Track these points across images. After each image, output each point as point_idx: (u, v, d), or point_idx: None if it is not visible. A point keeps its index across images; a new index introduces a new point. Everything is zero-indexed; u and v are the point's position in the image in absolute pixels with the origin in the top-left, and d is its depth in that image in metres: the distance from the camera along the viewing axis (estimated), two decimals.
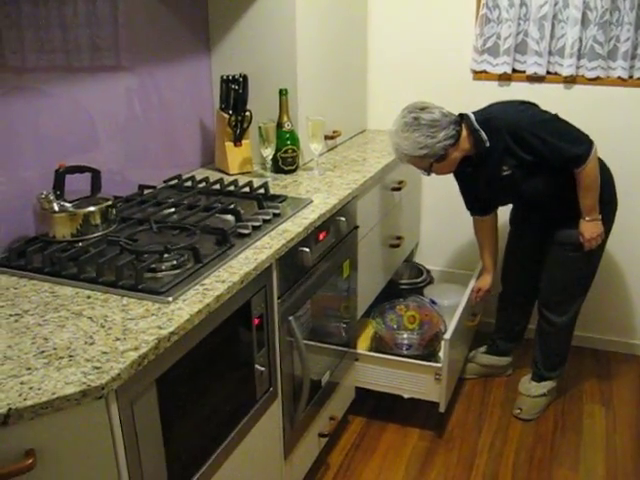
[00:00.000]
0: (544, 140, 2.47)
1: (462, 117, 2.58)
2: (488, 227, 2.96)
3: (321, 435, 2.54)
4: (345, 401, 2.82)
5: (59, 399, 1.28)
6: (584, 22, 3.03)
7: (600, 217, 2.66)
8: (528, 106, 2.61)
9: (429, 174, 2.61)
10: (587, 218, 2.64)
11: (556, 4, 3.05)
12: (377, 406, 3.07)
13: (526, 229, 2.99)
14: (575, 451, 2.78)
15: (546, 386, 3.01)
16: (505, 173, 2.58)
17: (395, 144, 2.51)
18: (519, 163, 2.55)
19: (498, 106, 2.64)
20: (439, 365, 2.72)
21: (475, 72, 3.33)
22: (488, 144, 2.53)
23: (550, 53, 3.15)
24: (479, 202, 2.87)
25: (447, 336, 2.73)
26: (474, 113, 2.59)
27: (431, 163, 2.52)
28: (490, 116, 2.57)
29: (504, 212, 3.00)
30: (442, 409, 2.80)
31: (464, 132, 2.55)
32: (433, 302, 3.24)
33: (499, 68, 3.24)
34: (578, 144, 2.50)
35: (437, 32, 3.32)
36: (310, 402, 2.37)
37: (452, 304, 3.14)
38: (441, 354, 2.86)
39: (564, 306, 2.88)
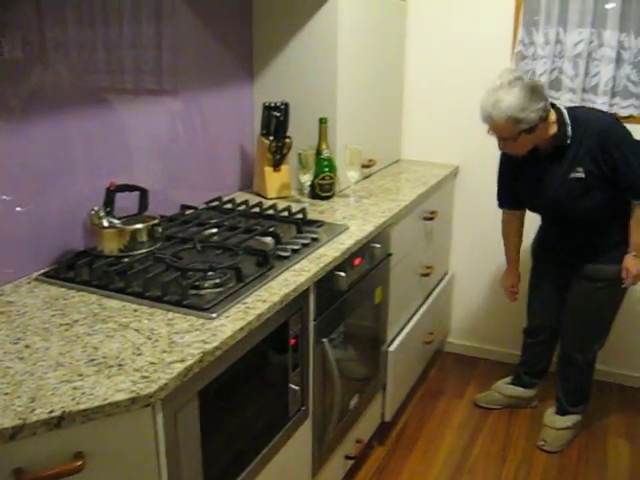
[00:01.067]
0: (627, 159, 2.45)
1: (552, 105, 2.54)
2: (517, 220, 2.92)
3: (347, 457, 2.58)
4: (372, 425, 2.86)
5: (110, 405, 1.34)
6: (618, 61, 3.09)
7: None
8: (621, 122, 2.58)
9: (502, 148, 2.55)
10: (634, 253, 2.60)
11: (591, 42, 3.11)
12: (402, 431, 3.10)
13: (551, 262, 2.93)
14: None
15: (571, 419, 3.00)
16: (578, 175, 2.52)
17: (495, 100, 2.39)
18: (593, 171, 2.49)
19: (593, 111, 2.67)
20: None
21: None
22: (569, 141, 2.51)
23: (584, 90, 3.20)
24: (514, 196, 2.83)
25: (391, 348, 2.81)
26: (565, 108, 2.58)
27: (520, 132, 2.43)
28: (582, 116, 2.54)
29: (526, 240, 3.02)
30: (387, 418, 2.94)
31: (552, 117, 2.51)
32: None
33: None
34: None
35: (473, 67, 3.39)
36: (338, 424, 2.42)
37: None
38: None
39: (587, 343, 2.86)
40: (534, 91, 2.39)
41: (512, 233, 2.95)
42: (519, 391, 3.26)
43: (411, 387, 3.29)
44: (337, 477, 2.56)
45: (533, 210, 2.84)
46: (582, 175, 2.51)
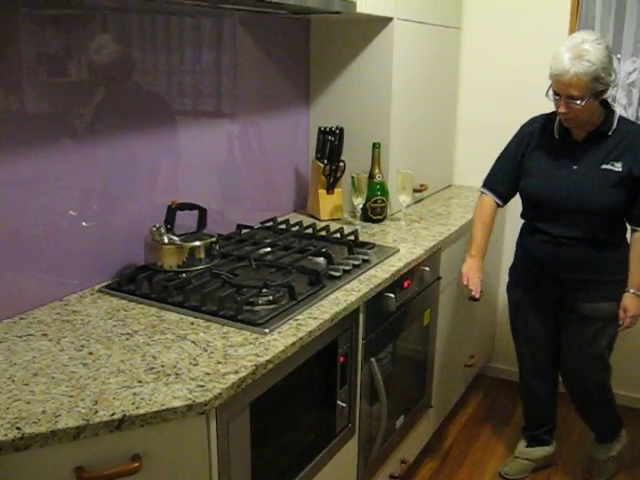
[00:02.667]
0: None
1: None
2: (493, 210, 2.67)
3: (392, 477, 2.61)
4: (417, 446, 2.88)
5: (167, 410, 1.42)
6: None
7: None
8: None
9: (561, 110, 2.33)
10: (632, 291, 2.47)
11: None
12: (447, 455, 3.12)
13: (536, 300, 2.70)
14: None
15: (615, 448, 2.90)
16: (614, 168, 2.37)
17: (581, 52, 2.22)
18: (633, 168, 2.36)
19: None
20: None
21: None
22: (611, 132, 2.40)
23: (637, 119, 3.21)
24: (507, 184, 2.63)
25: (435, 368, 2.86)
26: None
27: (592, 95, 2.27)
28: (629, 120, 2.51)
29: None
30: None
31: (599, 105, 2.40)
32: None
33: None
34: None
35: (525, 98, 3.40)
36: (384, 443, 2.45)
37: None
38: None
39: (594, 376, 2.68)
40: (611, 60, 2.29)
41: (489, 220, 2.66)
42: (546, 450, 3.02)
43: (451, 408, 3.32)
44: None
45: (533, 201, 2.56)
46: (619, 169, 2.37)
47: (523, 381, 2.93)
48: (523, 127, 2.65)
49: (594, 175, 2.41)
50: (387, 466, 2.56)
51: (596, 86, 2.26)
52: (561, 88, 2.28)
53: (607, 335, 2.58)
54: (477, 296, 2.58)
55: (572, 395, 2.79)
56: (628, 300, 2.48)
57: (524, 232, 2.69)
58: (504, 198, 2.68)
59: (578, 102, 2.27)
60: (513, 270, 2.79)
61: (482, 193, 2.71)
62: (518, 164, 2.59)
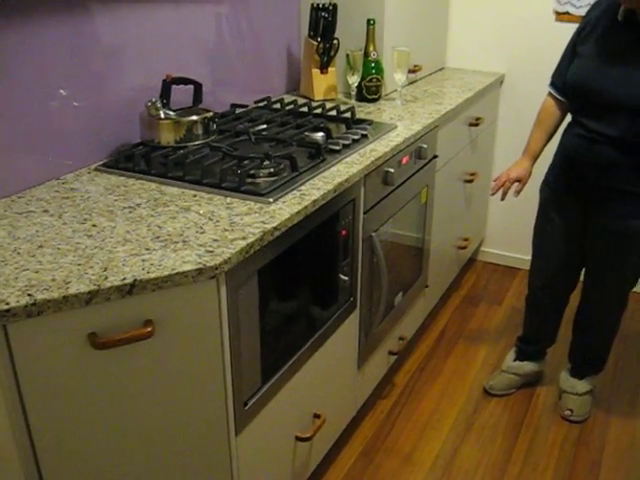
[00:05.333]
0: None
1: None
2: (559, 110, 2.46)
3: (391, 353, 2.66)
4: (414, 324, 2.94)
5: (178, 274, 1.41)
6: None
7: None
8: None
9: None
10: None
11: None
12: (443, 334, 3.19)
13: (563, 205, 2.45)
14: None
15: (592, 381, 2.73)
16: None
17: None
18: None
19: None
20: None
21: (558, 13, 3.33)
22: None
23: None
24: (564, 77, 2.35)
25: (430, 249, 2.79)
26: None
27: None
28: None
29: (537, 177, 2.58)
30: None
31: None
32: None
33: (582, 10, 3.22)
34: None
35: None
36: (384, 319, 2.49)
37: None
38: None
39: (613, 300, 2.52)
40: None
41: (547, 120, 2.47)
42: (536, 365, 2.85)
43: (445, 289, 3.37)
44: (381, 371, 2.65)
45: (573, 89, 2.30)
46: None
47: (532, 293, 2.71)
48: (588, 11, 2.34)
49: None
50: (386, 342, 2.61)
51: None
52: None
53: (632, 263, 2.38)
54: (491, 193, 2.51)
55: (581, 313, 2.65)
56: None
57: (567, 126, 2.42)
58: (565, 92, 2.40)
59: None
60: (550, 169, 2.51)
61: (548, 92, 2.49)
62: (574, 52, 2.33)
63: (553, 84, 2.45)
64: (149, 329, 1.41)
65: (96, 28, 1.99)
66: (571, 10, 3.27)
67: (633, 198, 2.24)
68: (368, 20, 2.72)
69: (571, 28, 3.22)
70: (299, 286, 1.88)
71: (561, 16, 3.32)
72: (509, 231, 3.75)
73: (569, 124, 2.40)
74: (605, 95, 2.17)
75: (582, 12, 3.21)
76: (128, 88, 2.13)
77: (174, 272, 1.41)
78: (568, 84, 2.32)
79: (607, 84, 2.16)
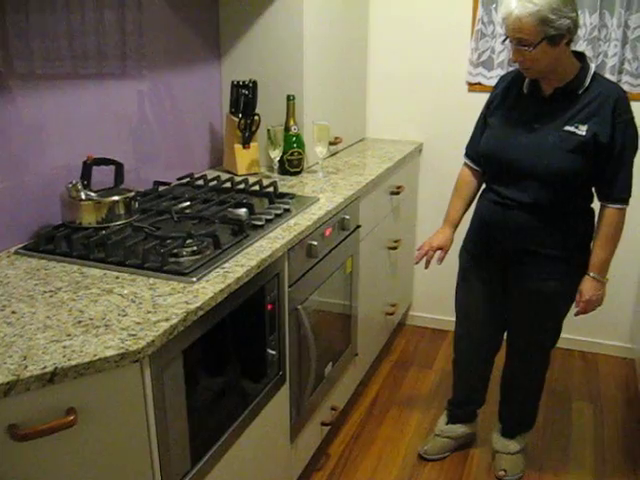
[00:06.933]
0: (624, 144, 2.17)
1: (582, 54, 2.26)
2: (475, 179, 2.52)
3: (323, 424, 2.65)
4: (346, 393, 2.94)
5: (100, 360, 1.39)
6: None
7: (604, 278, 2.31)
8: None
9: (516, 59, 2.16)
10: (592, 274, 2.28)
11: None
12: (375, 401, 3.19)
13: (483, 269, 2.51)
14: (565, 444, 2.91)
15: (524, 439, 2.76)
16: (577, 132, 2.16)
17: None
18: (598, 135, 2.14)
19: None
20: None
21: (470, 84, 3.48)
22: (581, 91, 2.18)
23: None
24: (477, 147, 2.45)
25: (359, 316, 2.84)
26: None
27: (543, 38, 2.06)
28: (603, 78, 2.25)
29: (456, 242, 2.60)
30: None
31: (575, 62, 2.20)
32: None
33: (493, 81, 3.37)
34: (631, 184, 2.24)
35: (434, 47, 3.47)
36: (314, 390, 2.49)
37: None
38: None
39: (536, 360, 2.59)
40: (569, 2, 2.07)
41: (464, 189, 2.53)
42: (469, 427, 2.87)
43: (376, 356, 3.39)
44: (314, 443, 2.63)
45: (486, 158, 2.39)
46: (582, 133, 2.15)
47: (457, 356, 2.76)
48: (497, 84, 2.45)
49: (554, 136, 2.19)
50: (318, 413, 2.60)
51: (546, 30, 2.05)
52: (509, 32, 2.12)
53: (551, 322, 2.47)
54: (415, 262, 2.55)
55: (509, 366, 2.67)
56: (585, 283, 2.31)
57: (482, 192, 2.50)
58: (479, 162, 2.50)
59: (526, 48, 2.08)
60: (467, 234, 2.57)
61: (464, 162, 2.58)
62: (485, 123, 2.43)
63: (468, 154, 2.54)
64: (71, 418, 1.38)
65: (16, 108, 1.99)
66: (482, 81, 3.43)
67: (548, 260, 2.32)
68: (288, 96, 2.80)
69: (483, 97, 3.37)
70: (227, 363, 1.87)
71: (473, 86, 3.47)
72: (436, 294, 3.80)
73: (484, 190, 2.48)
74: (515, 164, 2.26)
75: (493, 82, 3.33)
76: (49, 168, 2.12)
77: (96, 358, 1.39)
78: (480, 154, 2.43)
79: (517, 154, 2.25)
